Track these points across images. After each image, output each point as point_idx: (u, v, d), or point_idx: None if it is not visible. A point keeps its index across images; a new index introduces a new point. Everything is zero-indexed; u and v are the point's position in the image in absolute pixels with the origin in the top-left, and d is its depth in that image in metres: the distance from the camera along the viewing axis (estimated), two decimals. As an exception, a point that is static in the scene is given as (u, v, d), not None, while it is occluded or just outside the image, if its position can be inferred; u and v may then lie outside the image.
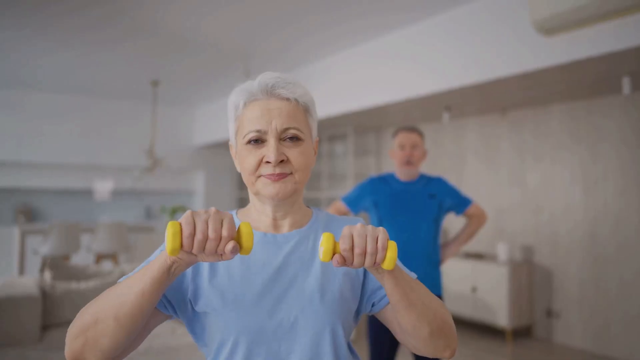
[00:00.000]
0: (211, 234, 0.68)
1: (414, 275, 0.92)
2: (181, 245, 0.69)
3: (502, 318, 4.46)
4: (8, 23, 3.91)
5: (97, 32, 4.11)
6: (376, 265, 0.77)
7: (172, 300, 0.88)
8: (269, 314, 0.85)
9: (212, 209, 0.70)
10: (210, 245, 0.68)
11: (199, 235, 0.68)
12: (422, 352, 0.89)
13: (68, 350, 0.78)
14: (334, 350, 0.88)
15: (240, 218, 0.97)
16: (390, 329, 0.95)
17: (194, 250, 0.69)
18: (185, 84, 6.02)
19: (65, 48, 4.57)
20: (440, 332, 0.86)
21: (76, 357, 0.77)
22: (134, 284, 0.75)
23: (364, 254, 0.74)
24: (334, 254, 0.75)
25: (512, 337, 4.57)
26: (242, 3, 3.49)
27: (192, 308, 0.88)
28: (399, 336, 0.92)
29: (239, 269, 0.88)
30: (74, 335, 0.77)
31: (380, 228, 0.78)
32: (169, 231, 0.68)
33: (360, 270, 0.94)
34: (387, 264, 0.76)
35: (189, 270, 0.88)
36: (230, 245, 0.69)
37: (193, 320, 0.89)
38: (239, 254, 0.80)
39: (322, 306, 0.87)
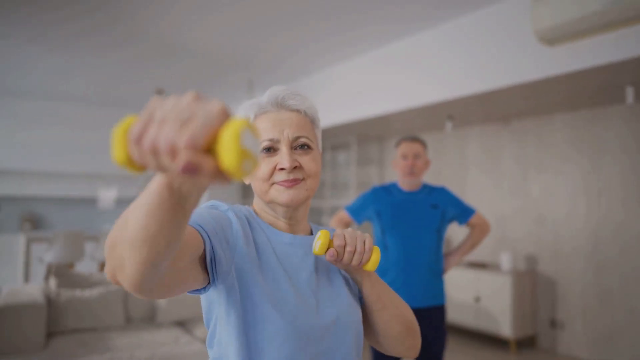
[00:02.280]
0: (162, 142, 0.43)
1: (385, 282, 1.00)
2: (130, 157, 0.46)
3: (505, 328, 4.45)
4: (9, 31, 3.94)
5: (98, 40, 4.15)
6: (361, 265, 0.87)
7: (220, 257, 0.79)
8: (314, 314, 0.87)
9: (189, 96, 0.45)
10: (166, 162, 0.43)
11: (146, 143, 0.44)
12: (390, 351, 0.98)
13: (106, 270, 0.68)
14: (361, 343, 0.94)
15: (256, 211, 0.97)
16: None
17: (149, 167, 0.46)
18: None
19: (69, 56, 4.62)
20: (407, 332, 0.96)
21: (113, 278, 0.68)
22: (140, 204, 0.57)
23: (354, 252, 0.85)
24: (327, 249, 0.85)
25: (516, 347, 4.55)
26: (243, 11, 3.51)
27: (231, 285, 0.83)
28: (368, 337, 1.01)
29: (280, 268, 0.89)
30: (106, 255, 0.67)
31: (367, 234, 0.88)
32: (115, 132, 0.47)
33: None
34: (371, 266, 0.87)
35: (239, 250, 0.85)
36: (181, 161, 0.42)
37: (224, 295, 0.84)
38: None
39: (355, 305, 0.94)
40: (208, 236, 0.77)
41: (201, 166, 0.43)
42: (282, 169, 0.89)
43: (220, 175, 0.44)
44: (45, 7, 3.46)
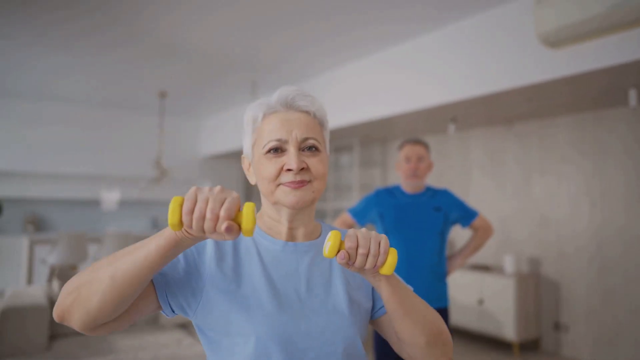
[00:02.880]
0: (209, 213, 0.67)
1: (410, 287, 0.93)
2: (181, 221, 0.69)
3: (509, 331, 4.43)
4: (9, 31, 3.95)
5: (98, 40, 4.15)
6: (376, 268, 0.80)
7: (177, 291, 0.85)
8: (298, 324, 0.86)
9: (218, 187, 0.70)
10: (207, 225, 0.68)
11: (196, 214, 0.67)
12: None
13: (57, 307, 0.76)
14: (359, 357, 0.91)
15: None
16: (387, 339, 0.98)
17: (193, 229, 0.69)
18: (192, 95, 6.06)
19: (69, 56, 4.62)
20: (436, 341, 0.88)
21: (63, 315, 0.76)
22: (138, 248, 0.75)
23: (367, 254, 0.77)
24: (338, 251, 0.78)
25: (520, 350, 4.53)
26: (243, 11, 3.51)
27: (208, 311, 0.86)
28: (395, 346, 0.94)
29: (265, 277, 0.88)
30: (67, 292, 0.76)
31: (383, 235, 0.81)
32: (170, 206, 0.69)
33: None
34: (387, 269, 0.79)
35: (209, 273, 0.87)
36: (224, 225, 0.67)
37: (206, 323, 0.87)
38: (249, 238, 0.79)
39: (351, 317, 0.90)
40: (162, 281, 0.86)
41: (233, 228, 0.68)
42: (289, 169, 0.88)
43: (239, 232, 0.70)
44: (45, 7, 3.46)
